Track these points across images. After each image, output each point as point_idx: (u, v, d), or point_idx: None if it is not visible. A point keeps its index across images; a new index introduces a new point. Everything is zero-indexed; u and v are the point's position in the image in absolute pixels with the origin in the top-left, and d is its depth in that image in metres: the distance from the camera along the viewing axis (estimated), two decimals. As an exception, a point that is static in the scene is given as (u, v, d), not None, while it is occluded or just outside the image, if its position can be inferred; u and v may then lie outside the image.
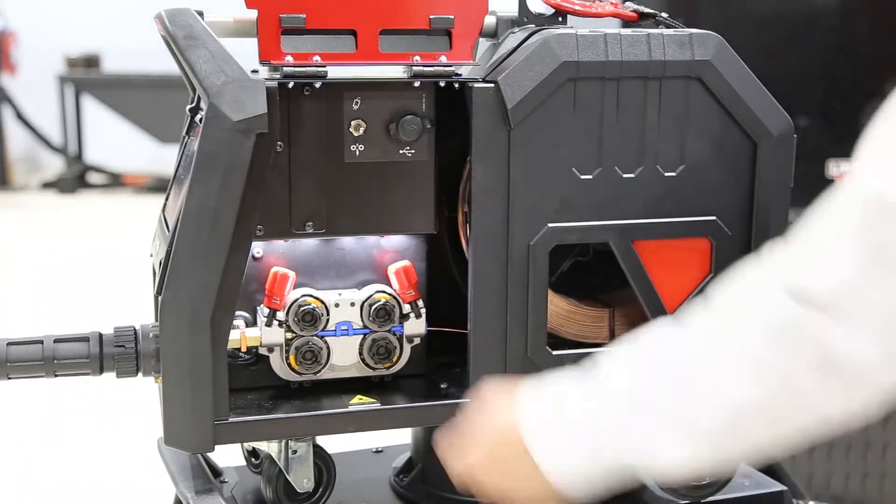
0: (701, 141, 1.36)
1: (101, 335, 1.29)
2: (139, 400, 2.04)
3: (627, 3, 1.42)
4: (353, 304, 1.37)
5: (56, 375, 1.28)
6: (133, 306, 2.21)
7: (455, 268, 1.45)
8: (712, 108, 1.35)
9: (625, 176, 1.34)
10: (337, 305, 1.36)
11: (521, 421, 1.13)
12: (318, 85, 1.29)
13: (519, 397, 1.16)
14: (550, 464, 1.10)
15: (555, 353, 1.37)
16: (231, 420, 1.30)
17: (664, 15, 1.41)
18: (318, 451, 1.40)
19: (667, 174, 1.35)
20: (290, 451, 1.37)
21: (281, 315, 1.34)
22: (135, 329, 1.30)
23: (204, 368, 1.26)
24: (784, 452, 1.03)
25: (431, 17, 1.30)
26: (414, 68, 1.31)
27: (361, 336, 1.38)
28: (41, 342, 1.27)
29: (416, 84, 1.33)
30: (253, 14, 1.27)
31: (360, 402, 1.36)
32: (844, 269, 0.87)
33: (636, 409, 1.04)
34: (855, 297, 0.87)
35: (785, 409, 0.96)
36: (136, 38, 4.86)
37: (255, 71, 1.32)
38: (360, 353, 1.38)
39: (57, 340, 1.27)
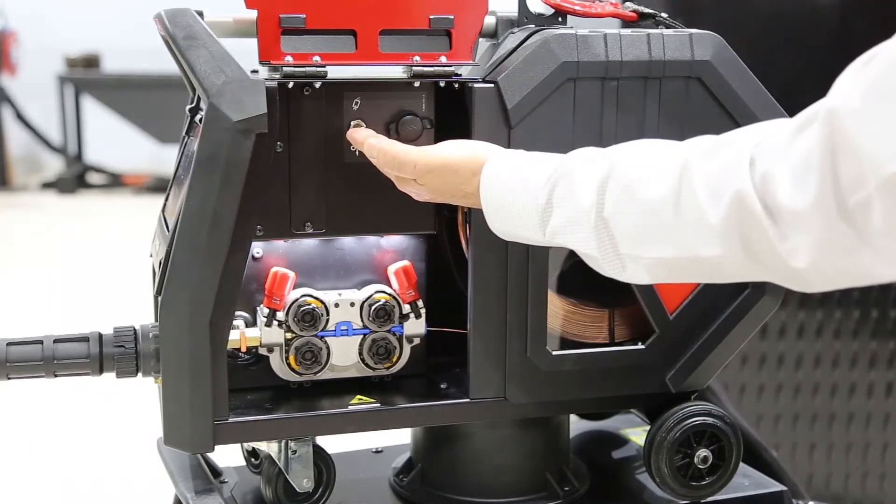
0: (701, 141, 1.35)
1: (100, 335, 1.29)
2: (139, 400, 2.04)
3: (627, 3, 1.42)
4: (352, 305, 1.37)
5: (56, 375, 1.28)
6: (133, 306, 2.21)
7: (455, 268, 1.45)
8: (712, 108, 1.35)
9: (625, 176, 1.34)
10: (337, 305, 1.36)
11: (490, 152, 1.23)
12: (317, 85, 1.29)
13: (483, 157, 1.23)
14: (498, 229, 1.22)
15: (555, 353, 1.37)
16: (231, 420, 1.30)
17: (664, 15, 1.41)
18: (318, 451, 1.40)
19: (667, 174, 1.35)
20: (289, 451, 1.36)
21: (281, 315, 1.34)
22: (135, 329, 1.30)
23: (204, 368, 1.26)
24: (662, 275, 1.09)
25: (431, 17, 1.30)
26: (414, 68, 1.31)
27: (361, 336, 1.38)
28: (41, 342, 1.27)
29: (416, 84, 1.33)
30: (253, 14, 1.27)
31: (360, 402, 1.36)
32: (803, 196, 0.91)
33: (610, 230, 1.09)
34: (803, 222, 0.92)
35: (718, 270, 1.03)
36: (136, 38, 4.86)
37: (255, 71, 1.32)
38: (360, 354, 1.38)
39: (57, 340, 1.27)
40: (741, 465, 1.48)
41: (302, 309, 1.34)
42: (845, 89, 0.90)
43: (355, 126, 1.31)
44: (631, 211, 1.06)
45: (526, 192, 1.16)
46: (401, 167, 1.26)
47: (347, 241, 1.39)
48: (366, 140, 1.28)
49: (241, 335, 1.34)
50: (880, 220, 0.87)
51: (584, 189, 1.10)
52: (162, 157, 6.95)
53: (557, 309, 1.39)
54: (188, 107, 1.42)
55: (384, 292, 1.38)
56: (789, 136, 0.94)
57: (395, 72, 1.34)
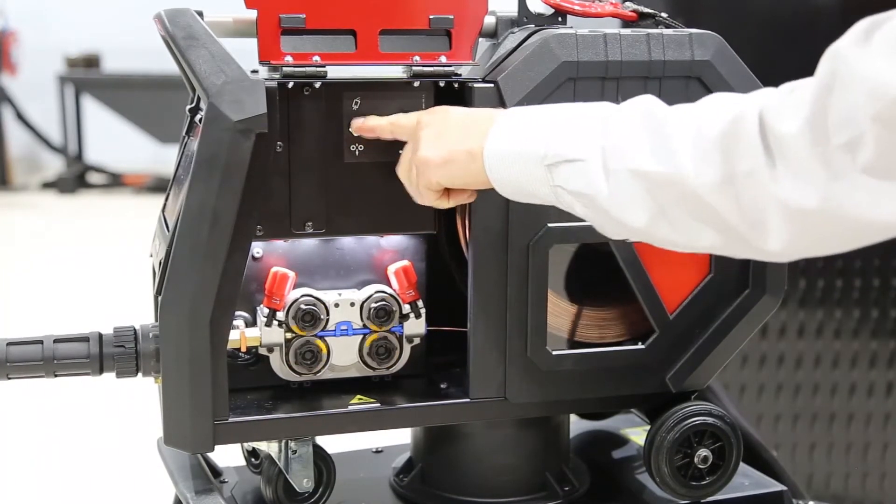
0: (701, 141, 1.35)
1: (101, 335, 1.29)
2: (139, 400, 2.04)
3: (627, 3, 1.42)
4: (352, 304, 1.37)
5: (56, 375, 1.28)
6: (133, 306, 2.21)
7: (455, 268, 1.45)
8: (712, 108, 1.35)
9: (625, 176, 1.34)
10: (337, 305, 1.36)
11: (490, 133, 1.17)
12: (317, 85, 1.29)
13: (498, 111, 1.20)
14: (501, 179, 1.16)
15: (555, 353, 1.37)
16: (231, 420, 1.30)
17: (664, 15, 1.41)
18: (318, 451, 1.40)
19: (667, 174, 1.35)
20: (290, 451, 1.37)
21: (281, 315, 1.34)
22: (135, 329, 1.30)
23: (204, 368, 1.26)
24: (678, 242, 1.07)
25: (431, 17, 1.30)
26: (414, 68, 1.31)
27: (361, 336, 1.38)
28: (41, 342, 1.27)
29: (416, 84, 1.33)
30: (253, 14, 1.27)
31: (360, 402, 1.36)
32: (797, 121, 0.92)
33: (602, 144, 1.06)
34: (797, 149, 0.92)
35: (703, 196, 1.00)
36: (136, 38, 4.86)
37: (254, 71, 1.32)
38: (360, 353, 1.38)
39: (57, 340, 1.27)
40: (741, 464, 1.48)
41: (302, 309, 1.34)
42: (853, 34, 0.89)
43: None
44: (636, 119, 1.05)
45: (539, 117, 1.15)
46: (408, 117, 1.27)
47: (347, 241, 1.39)
48: (369, 118, 1.30)
49: (241, 335, 1.34)
50: (870, 155, 0.86)
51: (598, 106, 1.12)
52: (162, 157, 6.95)
53: (558, 309, 1.39)
54: (188, 107, 1.42)
55: (384, 292, 1.38)
56: (793, 83, 0.96)
57: (395, 72, 1.34)
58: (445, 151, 1.19)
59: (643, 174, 1.03)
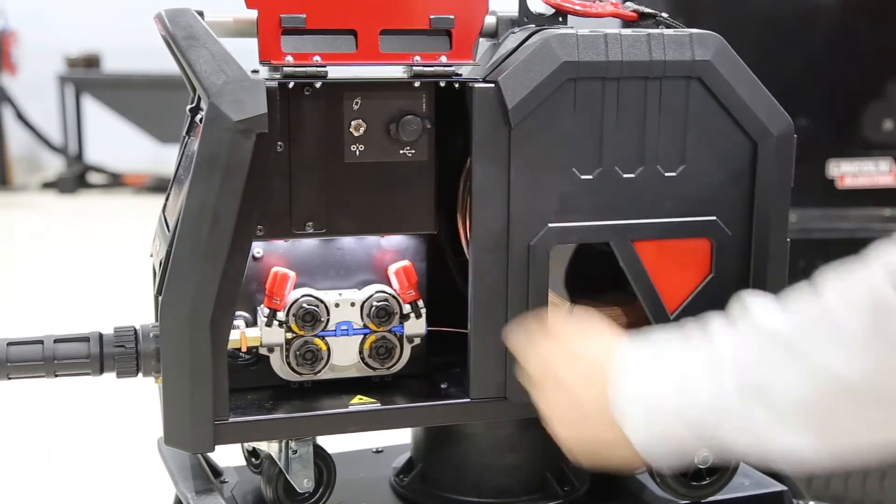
0: (701, 141, 1.36)
1: (101, 335, 1.29)
2: (139, 400, 2.04)
3: (627, 3, 1.42)
4: (353, 304, 1.37)
5: (56, 375, 1.28)
6: (133, 306, 2.21)
7: (455, 268, 1.45)
8: (712, 108, 1.35)
9: (625, 176, 1.34)
10: (337, 305, 1.36)
11: (614, 382, 1.13)
12: (318, 85, 1.29)
13: (612, 348, 1.16)
14: (638, 433, 1.10)
15: (555, 353, 1.37)
16: (231, 420, 1.30)
17: (664, 15, 1.41)
18: (319, 451, 1.40)
19: (667, 174, 1.35)
20: (290, 451, 1.37)
21: (281, 315, 1.34)
22: (135, 329, 1.30)
23: (204, 368, 1.26)
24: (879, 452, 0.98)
25: (431, 17, 1.30)
26: (414, 68, 1.31)
27: (361, 336, 1.38)
28: (41, 342, 1.27)
29: (416, 84, 1.33)
30: (253, 14, 1.27)
31: (360, 402, 1.36)
32: None
33: (739, 382, 1.01)
34: None
35: (876, 394, 0.93)
36: (136, 38, 4.86)
37: (255, 71, 1.32)
38: (361, 353, 1.38)
39: (57, 340, 1.27)
40: (741, 464, 1.48)
41: (302, 309, 1.34)
42: None
43: (356, 126, 1.31)
44: (765, 346, 0.99)
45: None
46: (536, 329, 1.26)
47: (347, 241, 1.39)
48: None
49: (242, 335, 1.34)
50: None
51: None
52: (162, 157, 6.95)
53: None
54: (188, 107, 1.42)
55: (384, 292, 1.38)
56: None
57: (396, 72, 1.34)
58: (578, 431, 1.18)
59: (803, 402, 0.96)
